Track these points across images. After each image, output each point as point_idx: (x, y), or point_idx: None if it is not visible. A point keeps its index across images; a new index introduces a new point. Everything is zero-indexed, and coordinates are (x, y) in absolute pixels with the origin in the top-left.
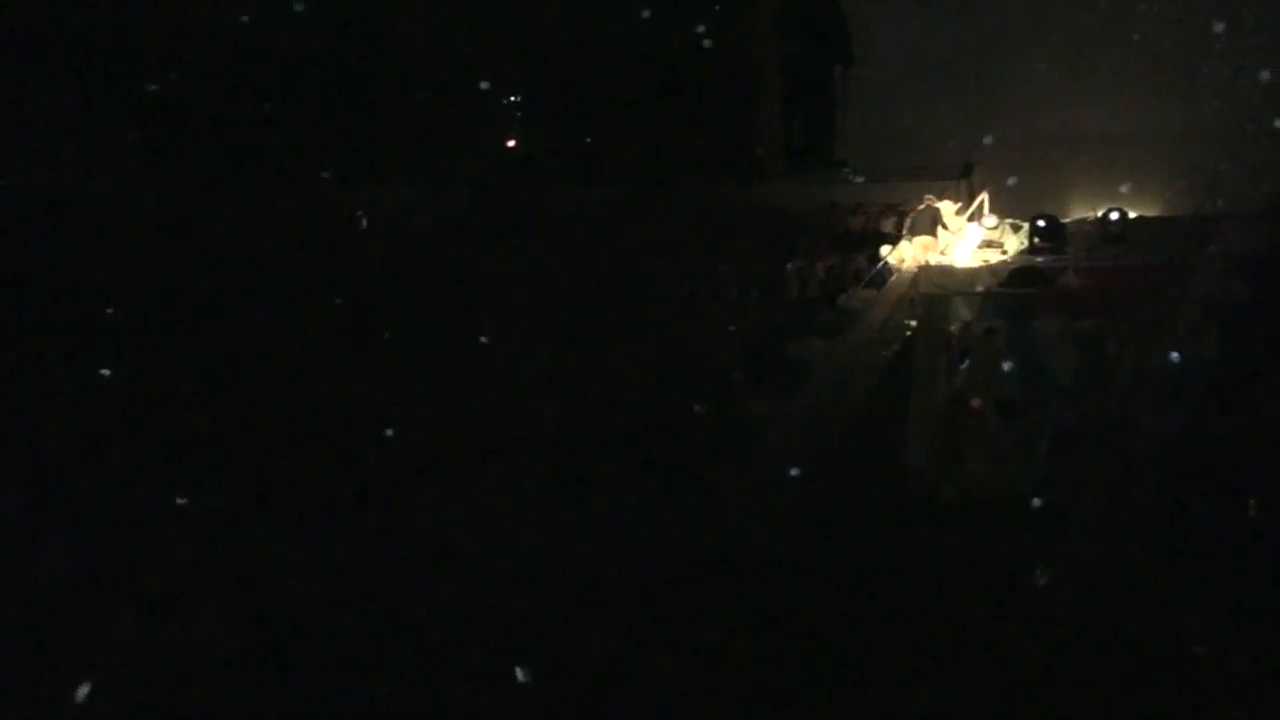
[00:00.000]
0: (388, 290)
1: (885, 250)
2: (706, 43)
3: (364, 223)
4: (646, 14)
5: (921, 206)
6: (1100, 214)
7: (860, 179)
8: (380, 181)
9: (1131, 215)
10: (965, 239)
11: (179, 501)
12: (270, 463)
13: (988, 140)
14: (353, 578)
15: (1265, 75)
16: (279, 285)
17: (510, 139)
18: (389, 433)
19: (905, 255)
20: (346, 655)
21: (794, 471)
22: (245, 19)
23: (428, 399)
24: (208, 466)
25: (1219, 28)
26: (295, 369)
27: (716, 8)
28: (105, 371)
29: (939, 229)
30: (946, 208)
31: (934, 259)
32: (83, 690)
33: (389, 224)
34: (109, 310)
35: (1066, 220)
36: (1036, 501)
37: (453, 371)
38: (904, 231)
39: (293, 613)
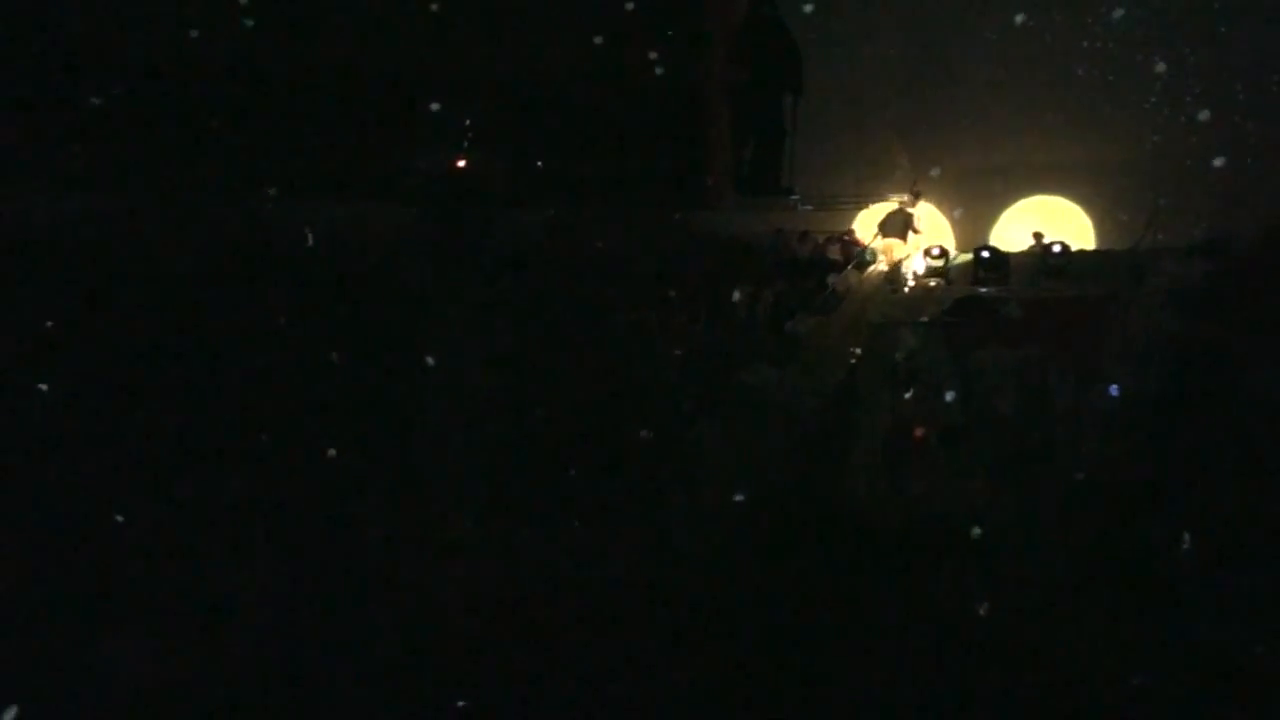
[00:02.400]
0: (330, 309)
1: (832, 278)
2: (658, 69)
3: (310, 239)
4: (599, 39)
5: (894, 208)
6: (1043, 246)
7: (808, 207)
8: (326, 199)
9: (1074, 248)
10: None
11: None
12: (203, 485)
13: (935, 172)
14: (293, 606)
15: (1204, 115)
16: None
17: (460, 159)
18: (330, 453)
19: (878, 257)
20: (287, 686)
21: (739, 497)
22: (194, 32)
23: (370, 421)
24: (133, 487)
25: (1160, 68)
26: (232, 389)
27: (669, 34)
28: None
29: (909, 233)
30: (920, 210)
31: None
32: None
33: (335, 241)
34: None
35: (1010, 251)
36: (976, 530)
37: (396, 394)
38: (875, 232)
39: (229, 641)
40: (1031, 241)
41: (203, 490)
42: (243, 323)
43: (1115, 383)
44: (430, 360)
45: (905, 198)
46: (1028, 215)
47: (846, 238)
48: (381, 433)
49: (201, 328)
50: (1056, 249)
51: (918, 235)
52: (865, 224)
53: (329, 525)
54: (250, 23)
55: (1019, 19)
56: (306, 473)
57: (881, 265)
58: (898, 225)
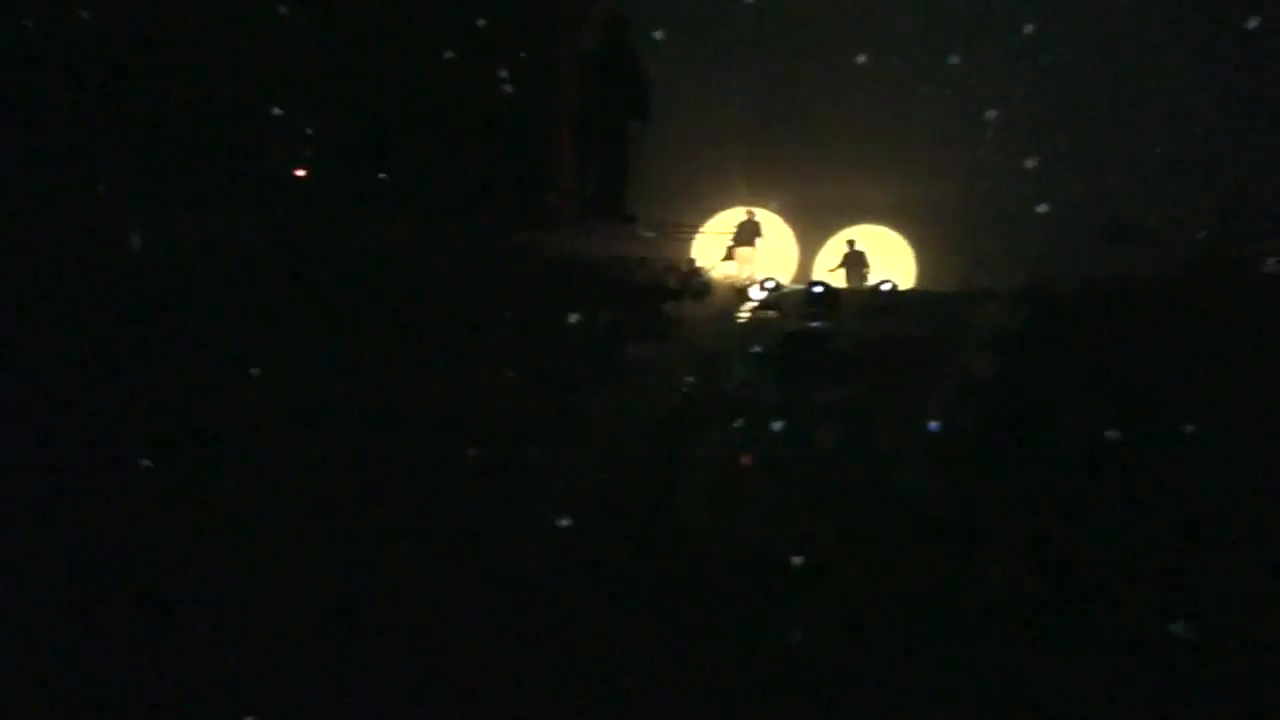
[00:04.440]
0: (158, 318)
1: (668, 306)
2: (508, 88)
3: (136, 242)
4: (449, 55)
5: (744, 218)
6: (873, 284)
7: (650, 234)
8: (158, 203)
9: (903, 287)
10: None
11: None
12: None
13: (774, 205)
14: (96, 628)
15: (1031, 162)
16: (37, 307)
17: (300, 169)
18: (145, 463)
19: (727, 267)
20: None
21: (565, 522)
22: (26, 23)
23: (192, 433)
24: None
25: (991, 114)
26: (47, 395)
27: (519, 55)
28: None
29: (758, 240)
30: (768, 219)
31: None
32: None
33: (165, 247)
34: None
35: (840, 287)
36: (796, 560)
37: (219, 406)
38: (729, 245)
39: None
40: (846, 249)
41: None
42: (61, 326)
43: (936, 421)
44: (255, 372)
45: (751, 209)
46: (846, 242)
47: (684, 266)
48: (201, 446)
49: (15, 331)
50: (886, 287)
51: (763, 241)
52: (715, 232)
53: (144, 541)
54: (85, 15)
55: (860, 59)
56: (120, 486)
57: (732, 271)
58: (748, 233)
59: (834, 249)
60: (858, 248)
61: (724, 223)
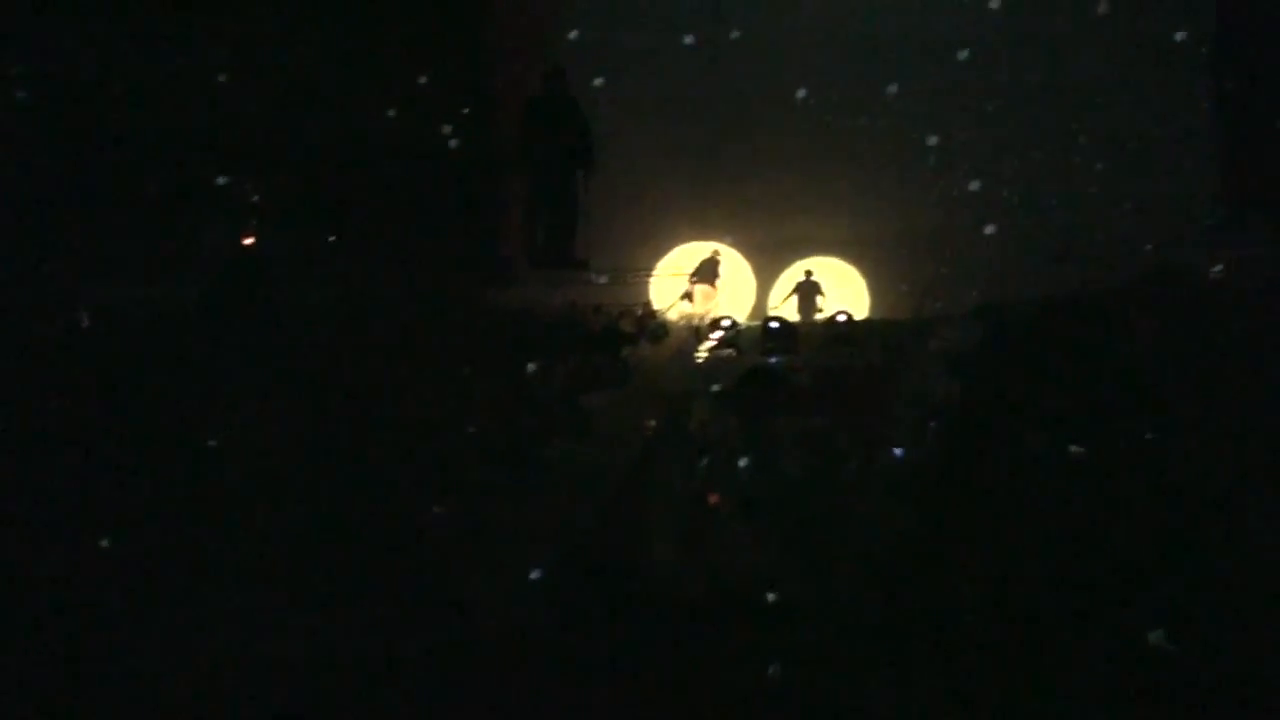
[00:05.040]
0: (108, 395)
1: (625, 350)
2: (451, 143)
3: (85, 322)
4: (391, 113)
5: (707, 255)
6: (828, 315)
7: (603, 279)
8: (103, 278)
9: (857, 317)
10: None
11: None
12: None
13: (728, 242)
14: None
15: (975, 185)
16: None
17: (247, 236)
18: (103, 544)
19: (686, 307)
20: None
21: (535, 574)
22: None
23: (151, 508)
24: None
25: (932, 140)
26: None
27: (463, 111)
28: None
29: (717, 279)
30: (727, 254)
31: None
32: None
33: (112, 323)
34: None
35: (796, 320)
36: (770, 596)
37: (175, 477)
38: (689, 278)
39: None
40: (803, 278)
41: None
42: (12, 407)
43: (900, 447)
44: (213, 443)
45: (715, 247)
46: (803, 273)
47: (640, 309)
48: (164, 518)
49: None
50: (841, 318)
51: (721, 279)
52: (671, 268)
53: (108, 613)
54: (21, 95)
55: (800, 94)
56: (83, 565)
57: (691, 310)
58: (709, 270)
59: (790, 279)
60: (814, 278)
61: (678, 262)
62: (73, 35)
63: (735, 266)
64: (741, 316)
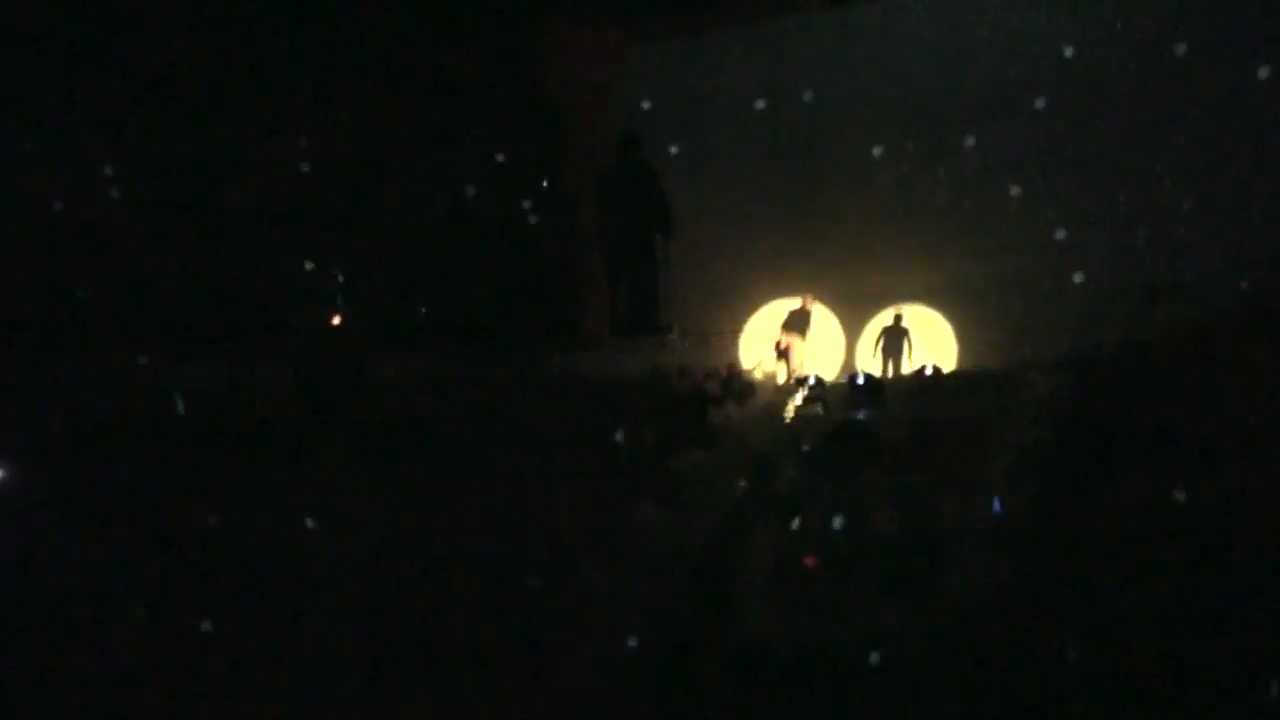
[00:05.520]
0: (206, 477)
1: (711, 412)
2: (531, 217)
3: (180, 406)
4: (471, 190)
5: (798, 306)
6: (915, 369)
7: (685, 342)
8: (200, 362)
9: (945, 369)
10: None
11: None
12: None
13: (810, 298)
14: None
15: (1061, 234)
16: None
17: (334, 315)
18: (204, 626)
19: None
20: None
21: (632, 642)
22: (57, 205)
23: (248, 589)
24: None
25: (1015, 190)
26: (105, 563)
27: (542, 183)
28: None
29: (808, 331)
30: (818, 311)
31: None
32: None
33: (208, 405)
34: None
35: (883, 376)
36: (874, 657)
37: (273, 559)
38: (780, 330)
39: None
40: (891, 321)
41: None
42: (115, 492)
43: (996, 500)
44: (310, 523)
45: (805, 297)
46: (892, 317)
47: (724, 370)
48: (260, 599)
49: (76, 500)
50: (929, 370)
51: (811, 333)
52: (764, 323)
53: (201, 700)
54: (115, 194)
55: (876, 151)
56: (183, 649)
57: (780, 366)
58: (799, 322)
59: (878, 324)
60: (903, 324)
61: (762, 321)
62: (161, 125)
63: (825, 318)
64: (830, 370)
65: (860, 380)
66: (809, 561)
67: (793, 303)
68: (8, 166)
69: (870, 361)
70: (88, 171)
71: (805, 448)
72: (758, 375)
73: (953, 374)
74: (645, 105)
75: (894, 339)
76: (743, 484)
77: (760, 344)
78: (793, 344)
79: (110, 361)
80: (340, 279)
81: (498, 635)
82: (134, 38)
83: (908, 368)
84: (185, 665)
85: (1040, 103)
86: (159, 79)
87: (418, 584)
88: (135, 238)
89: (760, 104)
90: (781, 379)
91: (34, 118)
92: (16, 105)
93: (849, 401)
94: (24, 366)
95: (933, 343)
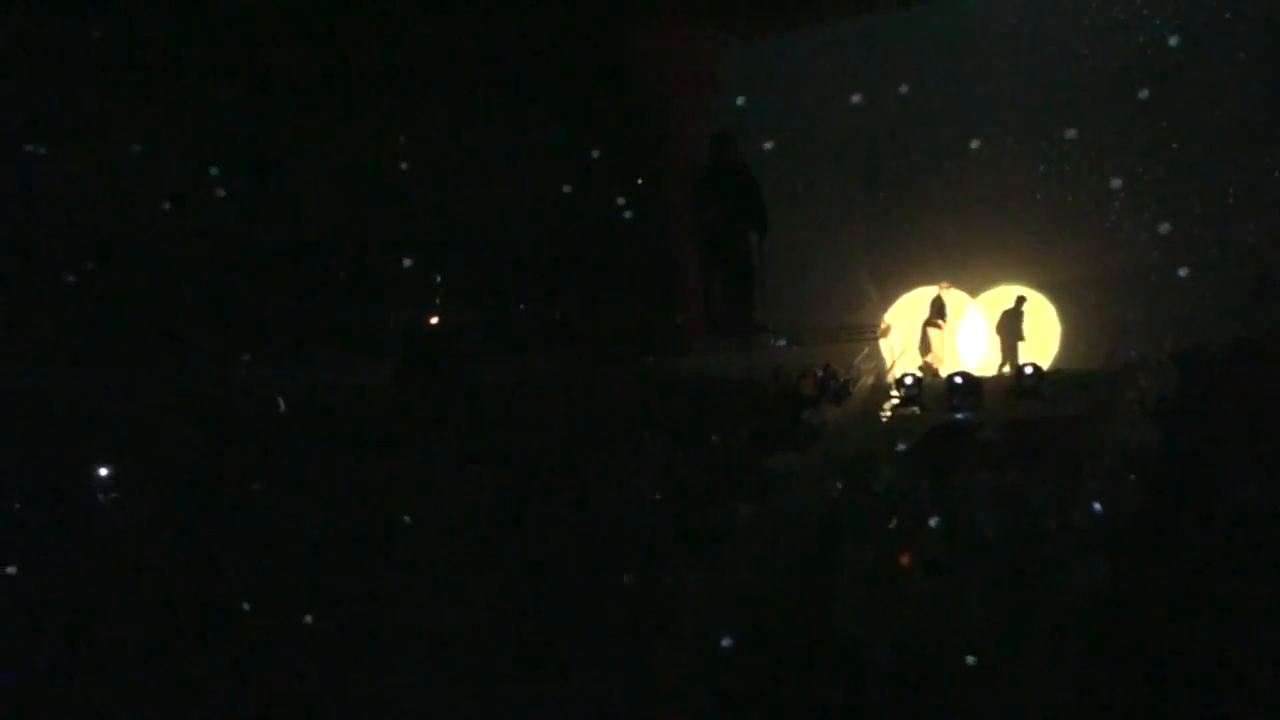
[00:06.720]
0: (309, 475)
1: (807, 413)
2: (626, 215)
3: (281, 405)
4: (566, 189)
5: (935, 294)
6: (1014, 368)
7: (780, 342)
8: (301, 363)
9: (1045, 367)
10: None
11: None
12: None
13: (904, 298)
14: None
15: (1165, 228)
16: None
17: (434, 315)
18: (308, 619)
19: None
20: None
21: (726, 642)
22: (166, 205)
23: (346, 583)
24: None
25: (1116, 183)
26: (214, 561)
27: (638, 182)
28: None
29: (943, 320)
30: (953, 297)
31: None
32: None
33: (308, 405)
34: None
35: (983, 376)
36: (970, 660)
37: (372, 555)
38: (926, 324)
39: None
40: (1012, 304)
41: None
42: (224, 493)
43: (1098, 501)
44: (408, 519)
45: (943, 284)
46: (996, 302)
47: (820, 371)
48: (362, 594)
49: (187, 499)
50: (1029, 370)
51: (946, 322)
52: (901, 314)
53: (305, 695)
54: (222, 193)
55: (974, 144)
56: (282, 643)
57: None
58: (937, 310)
59: (995, 303)
60: (1022, 308)
61: (860, 320)
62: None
63: (959, 305)
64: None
65: (958, 380)
66: (904, 561)
67: (929, 292)
68: (122, 178)
69: (986, 340)
70: (199, 179)
71: (902, 448)
72: (908, 363)
73: (1053, 372)
74: (739, 101)
75: (1012, 322)
76: (839, 484)
77: (901, 337)
78: (935, 335)
79: (215, 361)
80: (437, 278)
81: (594, 634)
82: (232, 41)
83: (1022, 356)
84: (290, 660)
85: (1144, 93)
86: (263, 83)
87: (514, 582)
88: (242, 242)
89: (855, 98)
90: (930, 369)
91: (149, 134)
92: (128, 118)
93: (947, 402)
94: (134, 367)
95: (1039, 333)
